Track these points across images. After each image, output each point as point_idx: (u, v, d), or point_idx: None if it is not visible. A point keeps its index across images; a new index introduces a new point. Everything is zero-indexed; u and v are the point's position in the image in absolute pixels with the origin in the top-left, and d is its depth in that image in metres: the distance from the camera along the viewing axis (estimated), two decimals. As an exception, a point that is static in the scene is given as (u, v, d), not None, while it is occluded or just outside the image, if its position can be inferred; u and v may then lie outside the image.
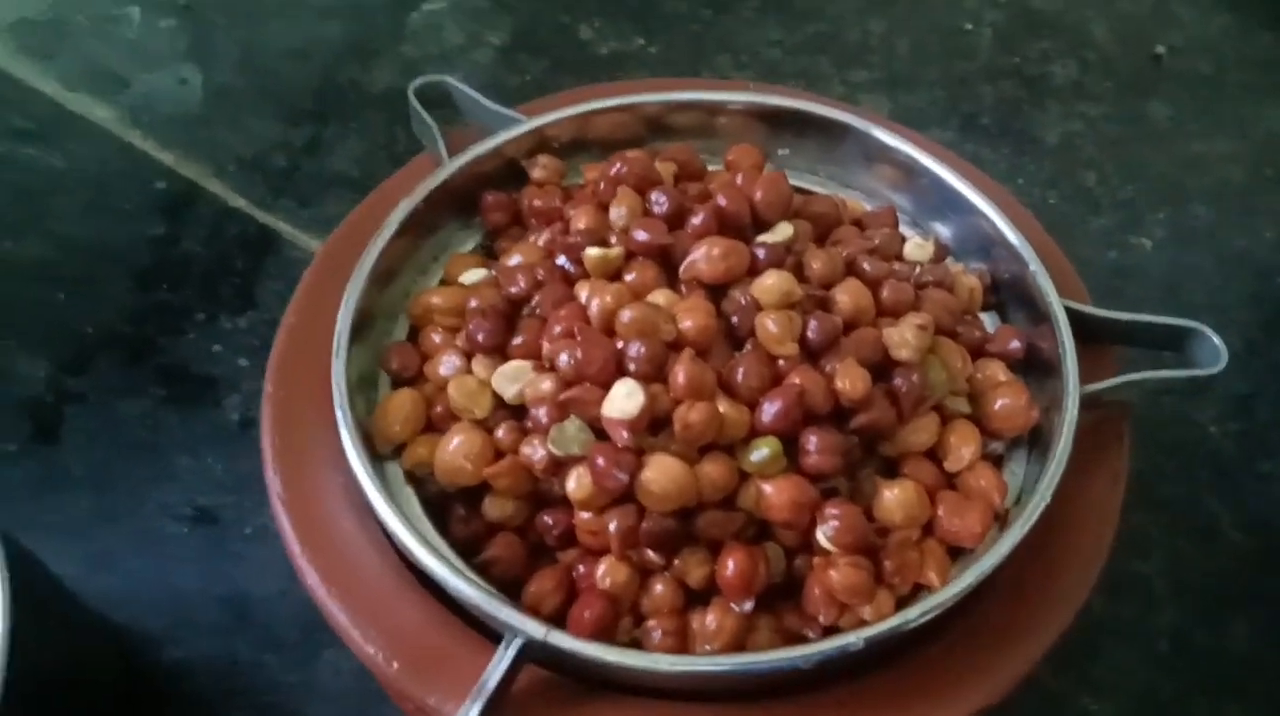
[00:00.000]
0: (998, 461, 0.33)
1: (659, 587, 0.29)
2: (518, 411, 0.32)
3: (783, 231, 0.35)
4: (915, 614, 0.27)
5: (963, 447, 0.31)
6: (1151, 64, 0.73)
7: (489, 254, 0.39)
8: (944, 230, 0.39)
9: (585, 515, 0.30)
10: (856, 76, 0.71)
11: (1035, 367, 0.34)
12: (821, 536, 0.29)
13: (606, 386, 0.29)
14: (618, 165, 0.36)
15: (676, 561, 0.29)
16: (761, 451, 0.29)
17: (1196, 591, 0.48)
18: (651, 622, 0.29)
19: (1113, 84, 0.71)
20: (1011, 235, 0.35)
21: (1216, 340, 0.33)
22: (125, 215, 0.63)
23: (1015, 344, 0.34)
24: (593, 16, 0.75)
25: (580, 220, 0.35)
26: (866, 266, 0.34)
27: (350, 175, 0.65)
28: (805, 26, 0.75)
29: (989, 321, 0.37)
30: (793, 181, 0.41)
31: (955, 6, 0.76)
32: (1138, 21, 0.76)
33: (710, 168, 0.40)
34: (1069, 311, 0.33)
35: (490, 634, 0.28)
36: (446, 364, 0.33)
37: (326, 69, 0.72)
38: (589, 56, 0.73)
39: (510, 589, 0.30)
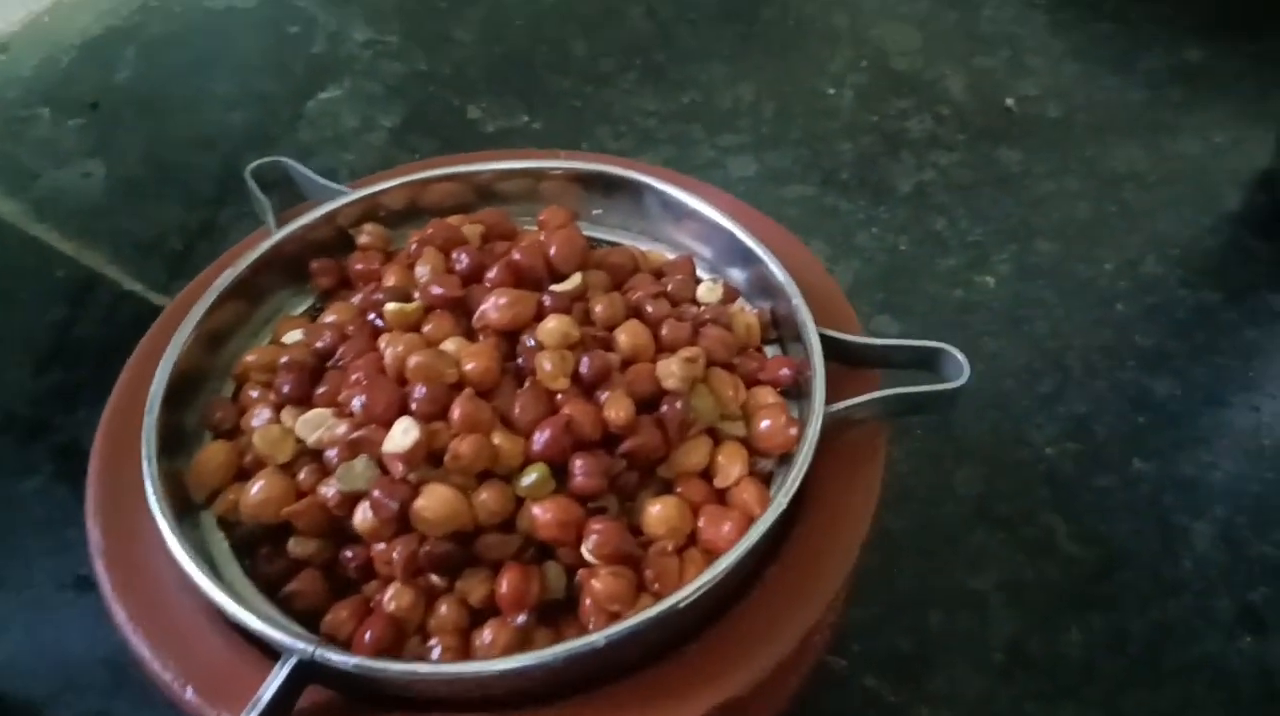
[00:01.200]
0: (768, 478, 0.35)
1: (443, 608, 0.32)
2: (321, 457, 0.34)
3: (572, 282, 0.38)
4: (651, 613, 0.29)
5: (730, 466, 0.34)
6: (1004, 114, 0.78)
7: (319, 316, 0.42)
8: (738, 275, 0.42)
9: (379, 546, 0.32)
10: (726, 140, 0.76)
11: (805, 394, 0.37)
12: (585, 550, 0.32)
13: (390, 426, 0.32)
14: (427, 229, 0.40)
15: (459, 583, 0.32)
16: (530, 476, 0.32)
17: (1032, 603, 0.50)
18: (434, 641, 0.31)
19: (965, 135, 0.76)
20: (780, 274, 0.39)
21: (960, 357, 0.36)
22: (25, 303, 0.66)
23: (785, 372, 0.37)
24: (480, 97, 0.80)
25: (390, 279, 0.39)
26: (649, 308, 0.38)
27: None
28: (679, 96, 0.80)
29: (773, 354, 0.40)
30: (606, 237, 0.45)
31: (820, 71, 0.81)
32: (992, 75, 0.81)
33: (528, 227, 0.44)
34: (829, 339, 0.37)
35: (279, 659, 0.31)
36: (259, 416, 0.36)
37: (227, 156, 0.76)
38: (476, 134, 0.77)
39: (315, 622, 0.32)
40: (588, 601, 0.32)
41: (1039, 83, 0.81)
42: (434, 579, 0.32)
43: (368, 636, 0.30)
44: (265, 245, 0.40)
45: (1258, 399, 0.59)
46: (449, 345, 0.35)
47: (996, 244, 0.68)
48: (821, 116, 0.77)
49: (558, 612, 0.33)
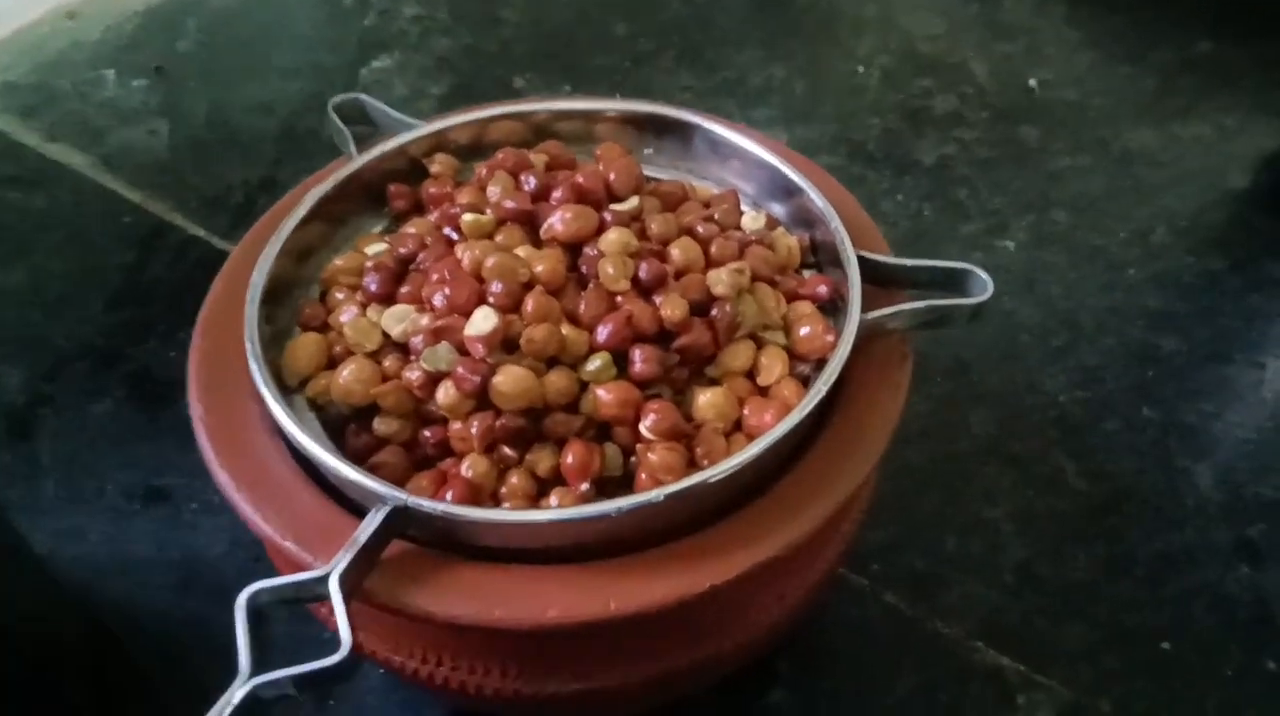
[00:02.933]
0: (805, 381, 0.39)
1: (514, 477, 0.36)
2: (403, 347, 0.38)
3: (630, 203, 0.42)
4: (706, 475, 0.33)
5: (772, 366, 0.38)
6: (1025, 95, 0.82)
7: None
8: (779, 208, 0.46)
9: (456, 425, 0.36)
10: (758, 114, 0.80)
11: (840, 310, 0.41)
12: (643, 427, 0.35)
13: (470, 316, 0.36)
14: (497, 155, 0.44)
15: (529, 456, 0.36)
16: (595, 362, 0.36)
17: (1041, 531, 0.54)
18: (506, 505, 0.35)
19: (987, 113, 0.80)
20: (818, 201, 0.42)
21: (984, 276, 0.40)
22: (98, 246, 0.70)
23: (822, 288, 0.41)
24: (525, 70, 0.84)
25: (464, 198, 0.42)
26: (700, 229, 0.41)
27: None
28: (714, 74, 0.84)
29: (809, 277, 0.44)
30: (655, 174, 0.48)
31: (849, 53, 0.85)
32: (1013, 60, 0.85)
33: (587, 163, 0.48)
34: (863, 260, 0.40)
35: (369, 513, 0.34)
36: (346, 313, 0.39)
37: (286, 120, 0.80)
38: (520, 103, 0.81)
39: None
40: (643, 474, 0.35)
41: (1055, 70, 0.84)
42: (506, 450, 0.36)
43: (449, 495, 0.34)
44: (347, 170, 0.44)
45: (1261, 357, 0.62)
46: (520, 252, 0.39)
47: (1015, 213, 0.71)
48: (850, 95, 0.81)
49: (615, 488, 0.36)
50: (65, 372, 0.62)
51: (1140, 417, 0.59)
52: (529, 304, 0.36)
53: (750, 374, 0.39)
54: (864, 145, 0.77)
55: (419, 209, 0.46)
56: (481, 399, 0.35)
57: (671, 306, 0.37)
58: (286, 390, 0.38)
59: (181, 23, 0.90)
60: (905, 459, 0.56)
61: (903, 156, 0.76)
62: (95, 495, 0.56)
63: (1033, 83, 0.82)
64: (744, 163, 0.47)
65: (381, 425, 0.37)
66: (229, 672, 0.29)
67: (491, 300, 0.37)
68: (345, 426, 0.38)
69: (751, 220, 0.44)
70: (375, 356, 0.38)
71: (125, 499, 0.56)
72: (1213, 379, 0.61)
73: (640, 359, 0.36)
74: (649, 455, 0.35)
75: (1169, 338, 0.63)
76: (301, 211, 0.42)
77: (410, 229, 0.42)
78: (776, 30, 0.89)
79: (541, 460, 0.36)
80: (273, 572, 0.49)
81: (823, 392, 0.35)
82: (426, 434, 0.37)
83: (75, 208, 0.73)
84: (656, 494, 0.32)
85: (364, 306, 0.40)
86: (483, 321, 0.36)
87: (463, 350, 0.36)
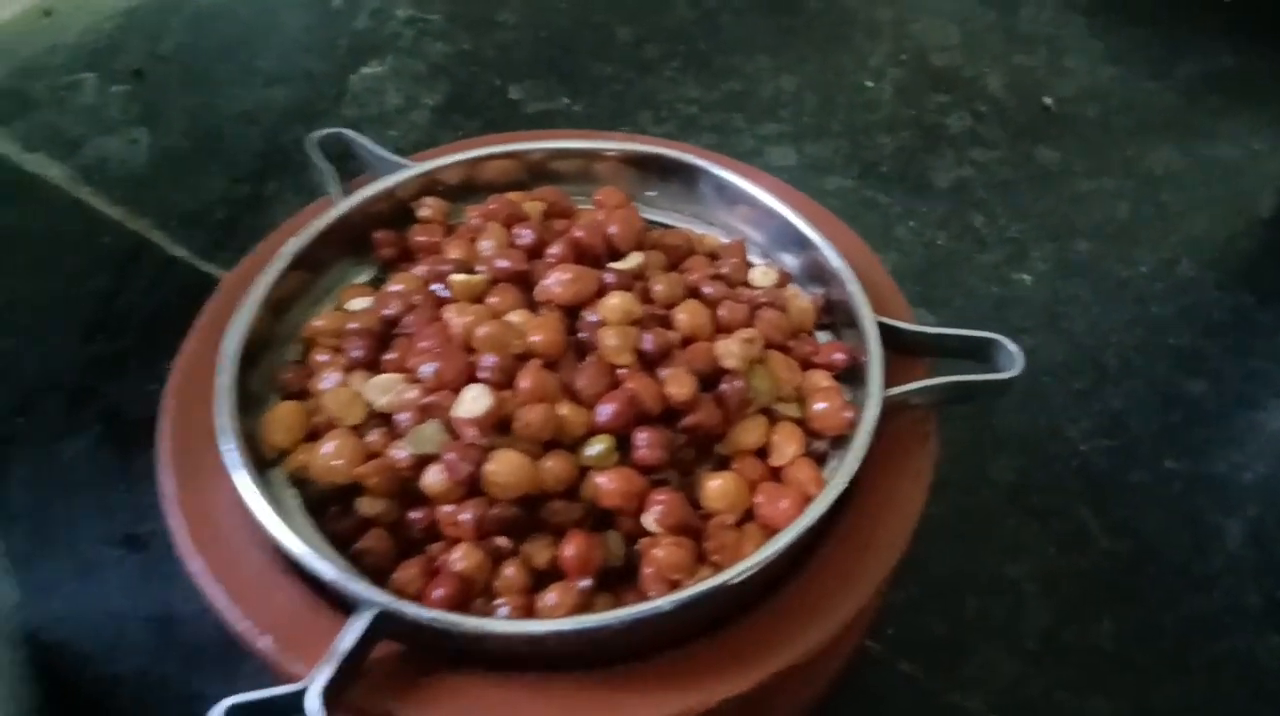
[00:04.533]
0: (821, 459, 0.36)
1: (508, 570, 0.33)
2: (390, 420, 0.35)
3: (632, 260, 0.39)
4: (718, 581, 0.30)
5: (785, 445, 0.35)
6: (1044, 112, 0.78)
7: (380, 286, 0.43)
8: (790, 260, 0.43)
9: (446, 508, 0.33)
10: (767, 130, 0.76)
11: (860, 379, 0.38)
12: (648, 520, 0.32)
13: (460, 392, 0.33)
14: (489, 204, 0.40)
15: (525, 546, 0.33)
16: (596, 447, 0.33)
17: (1065, 594, 0.51)
18: (500, 601, 0.32)
19: (1005, 132, 0.76)
20: (836, 262, 0.39)
21: (1013, 348, 0.37)
22: (73, 269, 0.67)
23: (839, 356, 0.38)
24: (523, 79, 0.81)
25: (453, 252, 0.39)
26: (707, 290, 0.38)
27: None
28: (721, 85, 0.80)
29: (825, 340, 0.41)
30: (658, 219, 0.45)
31: (860, 65, 0.82)
32: (1031, 74, 0.82)
33: (584, 208, 0.45)
34: (883, 326, 0.37)
35: (350, 611, 0.32)
36: (328, 379, 0.36)
37: (271, 131, 0.77)
38: (518, 115, 0.78)
39: (382, 579, 0.33)
40: (649, 570, 0.32)
41: (1076, 84, 0.81)
42: (500, 541, 0.33)
43: (438, 593, 0.31)
44: (330, 215, 0.41)
45: (1291, 402, 0.60)
46: (514, 317, 0.36)
47: (1034, 241, 0.68)
48: (862, 109, 0.78)
49: (616, 580, 0.33)
50: (36, 408, 0.59)
51: (1165, 468, 0.56)
52: (524, 381, 0.33)
53: (762, 451, 0.36)
54: (877, 165, 0.73)
55: (407, 255, 0.43)
56: (473, 486, 0.32)
57: (678, 384, 0.34)
58: (264, 463, 0.35)
59: (164, 23, 0.86)
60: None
61: (917, 178, 0.72)
62: (69, 545, 0.53)
63: (1048, 101, 0.79)
64: (753, 209, 0.44)
65: (366, 506, 0.34)
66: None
67: (483, 375, 0.34)
68: (327, 504, 0.35)
69: (762, 275, 0.41)
70: (359, 430, 0.35)
71: (100, 547, 0.53)
72: (1243, 425, 0.58)
73: (645, 444, 0.33)
74: (655, 551, 0.32)
75: (1197, 380, 0.60)
76: (279, 265, 0.39)
77: (397, 286, 0.39)
78: (786, 37, 0.85)
79: (538, 551, 0.33)
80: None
81: (843, 486, 0.32)
82: (414, 516, 0.34)
83: (51, 225, 0.69)
84: (665, 603, 0.30)
85: (347, 372, 0.37)
86: (473, 402, 0.33)
87: (453, 430, 0.33)
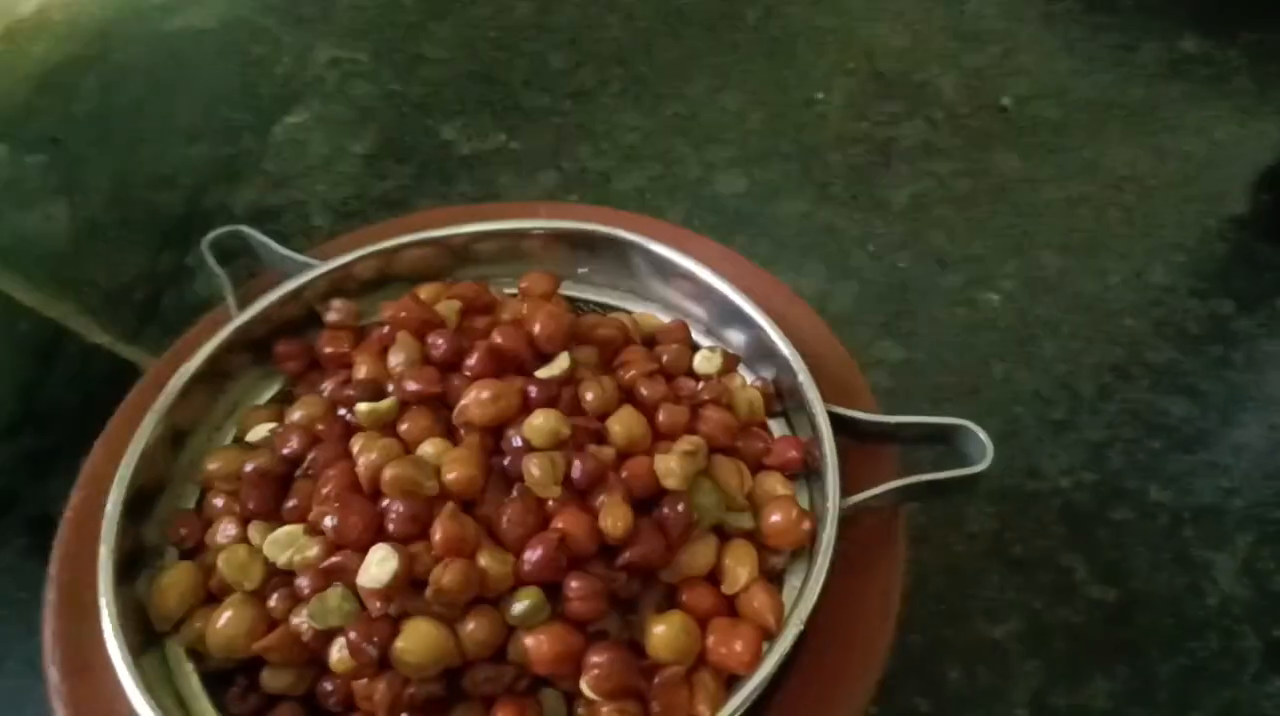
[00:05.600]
0: (779, 576, 0.33)
1: (435, 749, 0.29)
2: (291, 579, 0.32)
3: (560, 364, 0.35)
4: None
5: (738, 569, 0.32)
6: (999, 115, 0.75)
7: (289, 400, 0.39)
8: (737, 337, 0.40)
9: (362, 681, 0.30)
10: (713, 155, 0.72)
11: (815, 474, 0.35)
12: (584, 685, 0.29)
13: (366, 551, 0.30)
14: (398, 312, 0.37)
15: (451, 719, 0.30)
16: (522, 603, 0.30)
17: (1054, 652, 0.48)
18: (430, 784, 0.29)
19: (961, 140, 0.73)
20: (783, 347, 0.36)
21: (982, 436, 0.33)
22: (-11, 365, 0.63)
23: (792, 454, 0.35)
24: (455, 118, 0.77)
25: (361, 369, 0.36)
26: (644, 391, 0.35)
27: (217, 299, 0.65)
28: (663, 109, 0.76)
29: (778, 428, 0.37)
30: (593, 297, 0.42)
31: (805, 77, 0.78)
32: (984, 74, 0.78)
33: (509, 291, 0.41)
34: (838, 417, 0.34)
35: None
36: (224, 532, 0.33)
37: (193, 193, 0.72)
38: (452, 157, 0.74)
39: (298, 758, 0.30)
40: (591, 738, 0.29)
41: (1033, 81, 0.78)
42: (422, 717, 0.29)
43: (355, 788, 0.28)
44: (226, 331, 0.38)
45: (1276, 416, 0.57)
46: (427, 447, 0.33)
47: (998, 258, 0.65)
48: (810, 125, 0.74)
49: (559, 740, 0.30)
50: (-48, 523, 0.55)
51: (1150, 501, 0.53)
52: (437, 532, 0.30)
53: (712, 574, 0.33)
54: (829, 186, 0.70)
55: (315, 364, 0.39)
56: (384, 662, 0.29)
57: (614, 516, 0.31)
58: (157, 636, 0.32)
59: (79, 83, 0.82)
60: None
61: (872, 195, 0.69)
62: (-5, 676, 0.50)
63: (1005, 101, 0.76)
64: (692, 284, 0.40)
65: (272, 679, 0.31)
66: None
67: (391, 527, 0.30)
68: (231, 676, 0.32)
69: (705, 361, 0.38)
70: (260, 592, 0.32)
71: (27, 676, 0.49)
72: (1228, 447, 0.55)
73: (578, 596, 0.30)
74: (594, 720, 0.29)
75: (1177, 400, 0.57)
76: (170, 396, 0.35)
77: (297, 414, 0.35)
78: (727, 53, 0.81)
79: (466, 724, 0.29)
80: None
81: (800, 627, 0.29)
82: (327, 687, 0.31)
83: (-39, 317, 0.65)
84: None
85: (244, 522, 0.33)
86: (379, 567, 0.29)
87: (359, 595, 0.30)
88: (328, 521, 0.31)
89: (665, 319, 0.41)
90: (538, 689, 0.30)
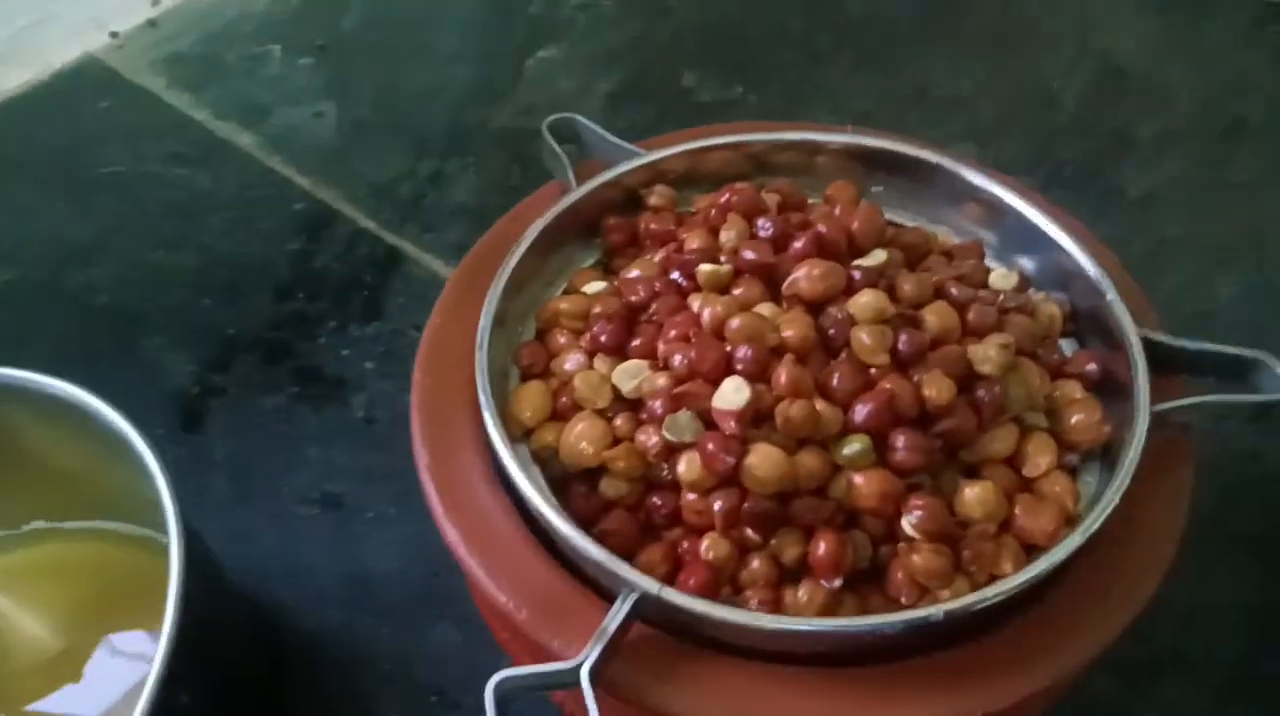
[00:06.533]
0: (1072, 472, 0.35)
1: (756, 563, 0.33)
2: (633, 405, 0.36)
3: (876, 257, 0.38)
4: (992, 593, 0.30)
5: (1039, 456, 0.35)
6: (1233, 124, 0.75)
7: (607, 270, 0.43)
8: (1027, 263, 0.42)
9: (692, 496, 0.34)
10: (944, 131, 0.75)
11: (1107, 389, 0.37)
12: (907, 524, 0.32)
13: (717, 383, 0.33)
14: (728, 195, 0.41)
15: (773, 541, 0.33)
16: (854, 446, 0.33)
17: (1268, 624, 0.49)
18: (749, 592, 0.33)
19: (1195, 143, 0.73)
20: (1090, 268, 0.38)
21: (1279, 369, 0.35)
22: (266, 232, 0.69)
23: (1092, 367, 0.37)
24: (696, 66, 0.81)
25: (694, 241, 0.40)
26: (954, 291, 0.38)
27: (470, 206, 0.70)
28: (897, 80, 0.79)
29: (1067, 347, 0.40)
30: (885, 215, 0.45)
31: (1043, 66, 0.80)
32: (1220, 84, 0.78)
33: (810, 201, 0.44)
34: (1141, 339, 0.36)
35: (603, 593, 0.32)
36: (571, 361, 0.37)
37: (453, 108, 0.78)
38: (691, 104, 0.78)
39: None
40: (900, 574, 0.32)
41: (1264, 94, 0.77)
42: (748, 533, 0.33)
43: (692, 580, 0.32)
44: (566, 201, 0.42)
45: None
46: (762, 310, 0.36)
47: (1229, 256, 0.65)
48: (1044, 112, 0.76)
49: (861, 580, 0.33)
50: (236, 364, 0.62)
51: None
52: (782, 376, 0.33)
53: (1010, 460, 0.35)
54: (1061, 170, 0.71)
55: (634, 242, 0.43)
56: (729, 477, 0.33)
57: (936, 387, 0.33)
58: (510, 439, 0.36)
59: (344, 1, 0.89)
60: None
61: (1104, 185, 0.70)
62: (267, 497, 0.55)
63: (1242, 111, 0.76)
64: (987, 208, 0.43)
65: (609, 487, 0.35)
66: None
67: (739, 367, 0.34)
68: (568, 484, 0.36)
69: (1002, 278, 0.40)
70: (604, 413, 0.36)
71: (297, 503, 0.55)
72: None
73: (903, 447, 0.33)
74: (913, 556, 0.32)
75: None
76: (523, 247, 0.40)
77: (635, 272, 0.39)
78: (962, 39, 0.83)
79: (787, 547, 0.33)
80: (453, 603, 0.48)
81: (1115, 502, 0.32)
82: (656, 501, 0.34)
83: (243, 190, 0.72)
84: (937, 611, 0.29)
85: (589, 355, 0.37)
86: (734, 393, 0.33)
87: (707, 420, 0.33)
88: (679, 356, 0.34)
89: (956, 240, 0.43)
90: (849, 528, 0.33)
